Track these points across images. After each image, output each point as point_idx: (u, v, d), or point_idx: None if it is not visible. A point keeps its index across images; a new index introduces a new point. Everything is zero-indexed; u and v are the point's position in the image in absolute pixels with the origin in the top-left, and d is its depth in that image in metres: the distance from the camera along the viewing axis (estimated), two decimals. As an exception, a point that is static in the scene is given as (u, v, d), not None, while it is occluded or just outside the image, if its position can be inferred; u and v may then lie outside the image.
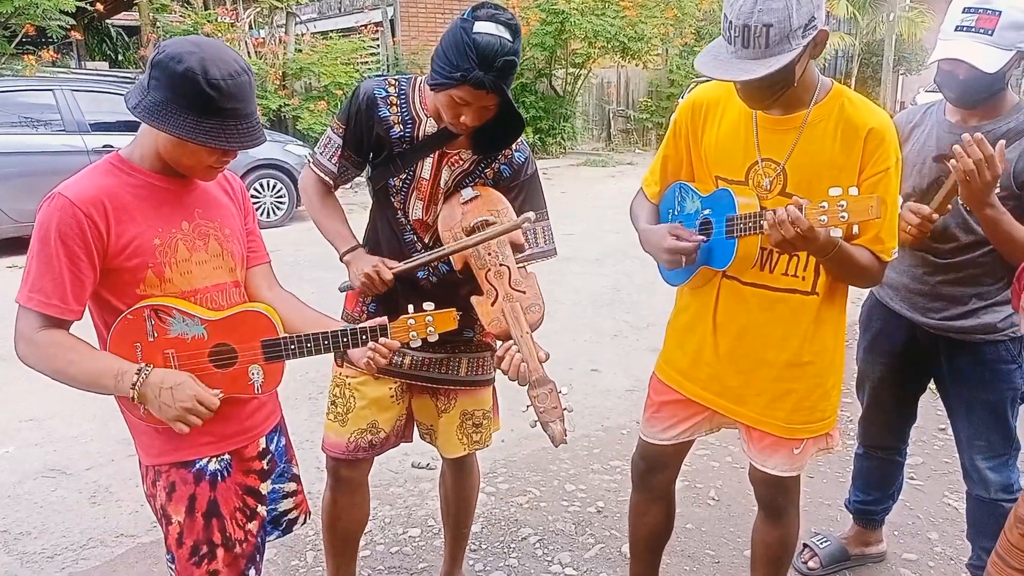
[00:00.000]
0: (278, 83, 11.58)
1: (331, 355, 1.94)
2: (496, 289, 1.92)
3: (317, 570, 2.69)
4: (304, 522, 2.00)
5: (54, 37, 11.36)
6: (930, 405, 2.64)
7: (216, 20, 11.39)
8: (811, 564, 2.68)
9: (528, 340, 1.86)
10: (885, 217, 1.70)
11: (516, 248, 1.99)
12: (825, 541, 2.73)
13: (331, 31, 14.17)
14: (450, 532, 2.49)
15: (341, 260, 2.03)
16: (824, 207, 1.60)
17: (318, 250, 7.09)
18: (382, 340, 1.69)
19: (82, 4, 10.26)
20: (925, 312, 2.28)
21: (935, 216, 2.04)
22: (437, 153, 1.99)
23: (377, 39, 14.47)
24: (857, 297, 2.00)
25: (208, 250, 1.66)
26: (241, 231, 1.77)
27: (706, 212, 1.91)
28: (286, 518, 1.94)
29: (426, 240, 2.05)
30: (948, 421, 3.62)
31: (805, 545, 2.72)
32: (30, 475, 3.34)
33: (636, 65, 16.21)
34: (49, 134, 7.40)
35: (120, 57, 13.87)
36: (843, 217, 1.59)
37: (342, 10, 16.63)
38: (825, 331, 1.92)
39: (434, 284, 2.05)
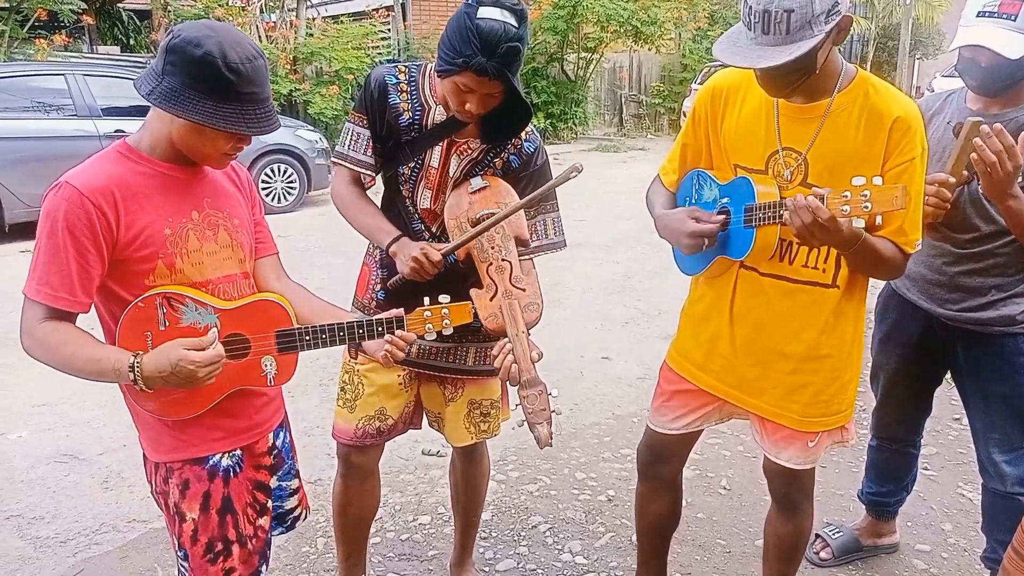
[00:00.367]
0: (289, 68, 11.56)
1: (343, 343, 1.92)
2: (496, 284, 1.90)
3: (328, 556, 2.70)
4: (305, 517, 1.99)
5: (66, 21, 11.36)
6: (944, 395, 2.61)
7: (227, 4, 11.36)
8: (823, 555, 2.67)
9: (523, 340, 1.84)
10: (909, 208, 1.67)
11: (523, 242, 1.97)
12: (837, 532, 2.72)
13: (342, 15, 14.09)
14: (460, 520, 2.49)
15: (387, 252, 1.97)
16: (846, 197, 1.57)
17: (329, 236, 7.08)
18: (398, 332, 1.67)
19: (93, -12, 10.24)
20: (943, 303, 2.24)
21: (951, 180, 1.98)
22: (446, 141, 1.96)
23: (388, 23, 14.41)
24: (872, 287, 1.97)
25: (218, 240, 1.62)
26: (249, 221, 1.75)
27: (724, 201, 1.88)
28: (291, 515, 1.93)
29: (433, 229, 2.03)
30: (963, 412, 3.61)
31: (817, 535, 2.71)
32: (43, 460, 3.36)
33: (648, 49, 16.10)
34: (61, 119, 7.41)
35: (131, 41, 13.87)
36: (866, 208, 1.55)
37: (353, -6, 16.56)
38: (844, 324, 1.89)
39: (441, 274, 2.02)
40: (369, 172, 2.05)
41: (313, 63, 12.03)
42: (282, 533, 1.96)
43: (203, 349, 1.46)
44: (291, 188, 8.67)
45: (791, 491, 2.06)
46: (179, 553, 1.67)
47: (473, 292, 1.91)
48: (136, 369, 1.44)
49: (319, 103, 11.24)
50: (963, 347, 2.27)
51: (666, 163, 2.10)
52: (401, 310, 1.69)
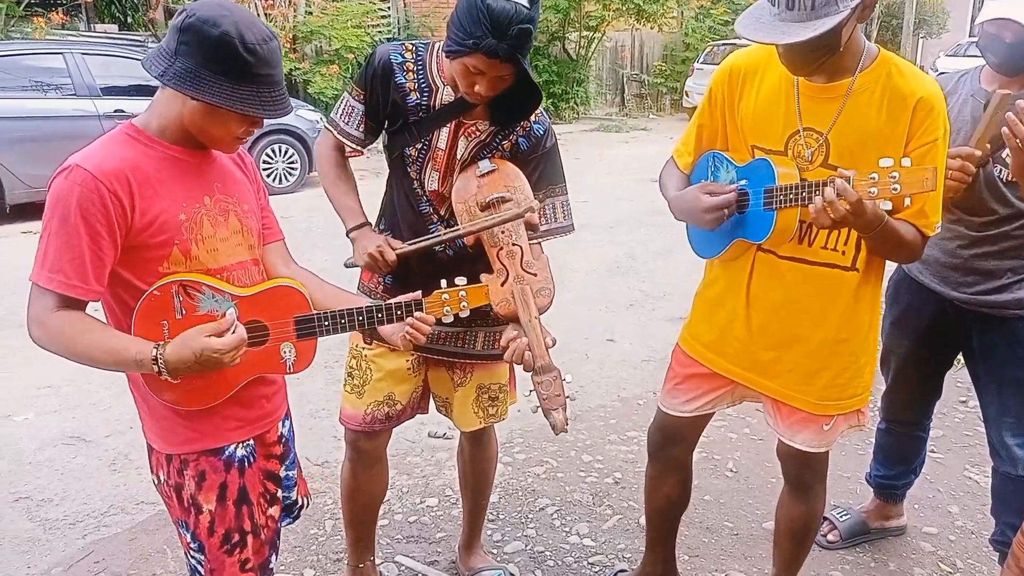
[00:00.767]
0: (288, 46, 11.44)
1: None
2: (507, 269, 1.88)
3: (336, 539, 2.70)
4: (307, 505, 1.98)
5: (62, -1, 11.26)
6: (951, 377, 2.61)
7: (226, -19, 11.20)
8: (831, 537, 2.67)
9: (536, 325, 1.82)
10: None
11: (531, 226, 1.95)
12: (845, 514, 2.72)
13: (341, -7, 13.94)
14: (468, 504, 2.49)
15: (347, 236, 1.99)
16: (874, 179, 1.55)
17: (331, 216, 7.02)
18: (418, 315, 1.65)
19: (90, -35, 10.13)
20: (957, 287, 2.23)
21: (977, 153, 1.96)
22: (454, 123, 1.94)
23: (388, 1, 14.26)
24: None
25: (229, 226, 1.58)
26: (257, 207, 1.72)
27: (742, 183, 1.85)
28: (296, 506, 1.93)
29: (441, 212, 2.01)
30: (969, 395, 3.64)
31: (825, 518, 2.71)
32: (50, 442, 3.36)
33: (651, 28, 15.95)
34: (60, 98, 7.33)
35: (129, 20, 13.72)
36: (895, 189, 1.54)
37: (352, -29, 16.36)
38: (862, 308, 1.87)
39: (450, 257, 2.02)
40: (355, 146, 2.05)
41: (313, 42, 11.90)
42: (288, 524, 1.95)
43: (223, 333, 1.44)
44: (292, 169, 8.62)
45: (804, 474, 2.06)
46: (192, 545, 1.65)
47: (484, 277, 1.88)
48: (160, 359, 1.41)
49: (319, 83, 11.15)
50: (977, 330, 2.26)
51: (680, 145, 2.07)
52: (419, 292, 1.67)
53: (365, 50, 11.59)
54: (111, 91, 7.55)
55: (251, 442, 1.67)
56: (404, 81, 1.94)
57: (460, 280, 1.69)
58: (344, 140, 2.04)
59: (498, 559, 2.60)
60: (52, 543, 2.71)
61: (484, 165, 1.93)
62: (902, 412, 2.58)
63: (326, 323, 1.59)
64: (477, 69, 1.75)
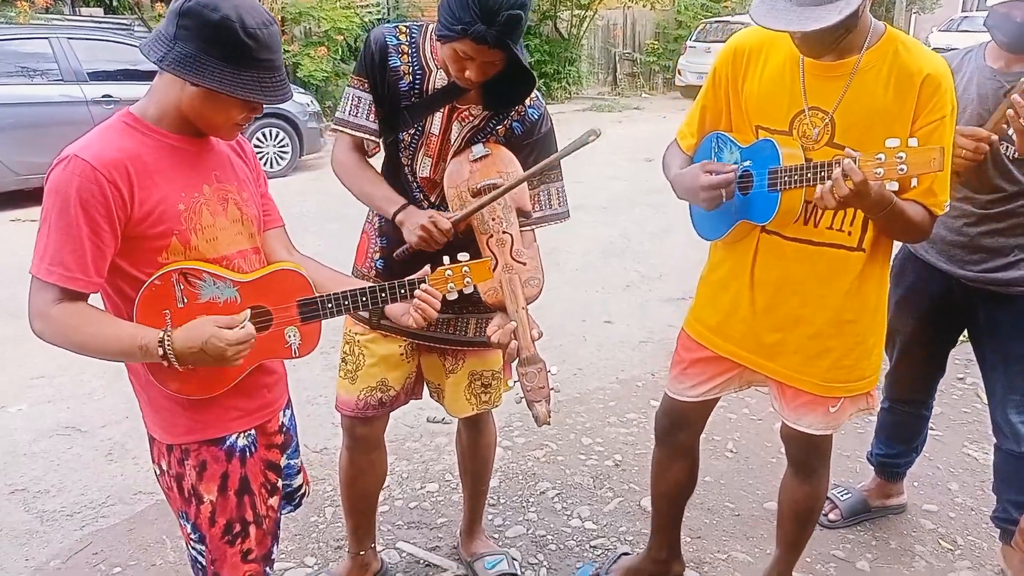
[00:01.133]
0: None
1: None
2: (496, 257, 1.85)
3: (337, 526, 2.69)
4: (307, 493, 1.97)
5: (46, -18, 11.06)
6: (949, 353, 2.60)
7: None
8: (832, 516, 2.67)
9: (523, 316, 1.80)
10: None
11: (524, 213, 1.92)
12: (846, 493, 2.72)
13: (330, -27, 13.77)
14: (468, 489, 2.48)
15: (394, 221, 1.90)
16: (880, 159, 1.53)
17: (324, 201, 7.02)
18: (425, 288, 1.62)
19: (73, -52, 9.96)
20: (964, 264, 2.21)
21: (994, 137, 1.95)
22: (447, 108, 1.90)
23: (377, -19, 14.09)
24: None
25: (228, 215, 1.56)
26: (256, 194, 1.69)
27: (746, 164, 1.82)
28: (298, 494, 1.92)
29: (432, 199, 1.97)
30: (967, 371, 3.64)
31: (826, 497, 2.71)
32: (45, 433, 3.33)
33: (643, 6, 15.84)
34: (47, 84, 7.21)
35: (115, 2, 13.53)
36: (902, 170, 1.51)
37: (340, -49, 16.15)
38: (868, 288, 1.85)
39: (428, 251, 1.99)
40: (372, 138, 1.97)
41: (301, 23, 11.77)
42: (289, 512, 1.95)
43: (234, 327, 1.43)
44: (283, 153, 8.54)
45: (809, 456, 2.05)
46: (193, 536, 1.63)
47: None
48: (167, 345, 1.39)
49: (308, 65, 11.03)
50: (983, 308, 2.25)
51: (683, 126, 2.04)
52: (427, 268, 1.64)
53: (355, 31, 11.47)
54: (98, 76, 7.42)
55: (252, 432, 1.66)
56: (398, 64, 1.90)
57: (463, 256, 1.66)
58: (360, 135, 1.96)
59: (500, 544, 2.59)
60: (50, 535, 2.69)
61: (477, 150, 1.89)
62: (905, 391, 2.57)
63: (330, 305, 1.57)
64: (466, 55, 1.72)
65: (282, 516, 1.82)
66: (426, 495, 2.90)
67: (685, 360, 2.09)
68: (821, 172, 1.64)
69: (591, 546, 2.61)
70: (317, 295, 1.58)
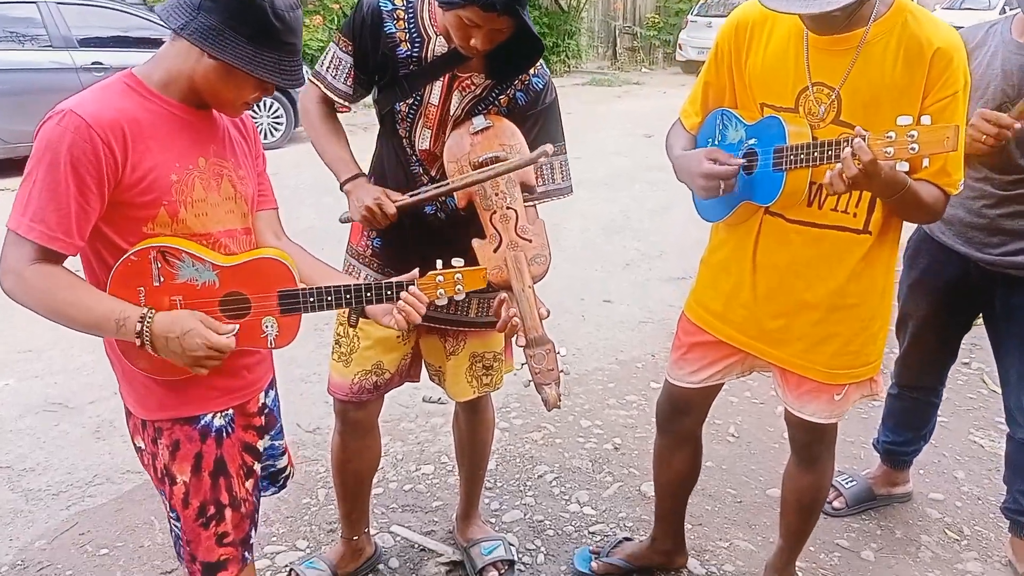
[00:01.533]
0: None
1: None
2: (500, 234, 1.77)
3: (329, 508, 2.63)
4: (293, 475, 1.92)
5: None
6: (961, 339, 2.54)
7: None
8: (836, 504, 2.62)
9: (530, 295, 1.72)
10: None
11: (528, 188, 1.84)
12: (851, 481, 2.67)
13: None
14: (465, 473, 2.42)
15: (341, 189, 1.87)
16: (890, 138, 1.45)
17: (319, 173, 6.84)
18: (411, 290, 1.55)
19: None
20: (982, 247, 2.14)
21: (1017, 125, 1.87)
22: (447, 76, 1.81)
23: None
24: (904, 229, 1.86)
25: (221, 192, 1.51)
26: (254, 174, 1.63)
27: (751, 142, 1.75)
28: (283, 475, 1.86)
29: (432, 173, 1.90)
30: (971, 356, 3.58)
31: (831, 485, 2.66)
32: (32, 409, 3.25)
33: (644, -22, 15.59)
34: (36, 50, 7.05)
35: (106, -32, 13.30)
36: (913, 149, 1.43)
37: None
38: (875, 271, 1.78)
39: (443, 221, 1.91)
40: (343, 101, 1.91)
41: (297, -8, 11.55)
42: (274, 493, 1.90)
43: (221, 335, 1.41)
44: (278, 124, 8.37)
45: (813, 444, 1.99)
46: (171, 514, 1.60)
47: (475, 243, 1.78)
48: (147, 323, 1.36)
49: (304, 35, 10.83)
50: (1001, 293, 2.18)
51: (687, 104, 1.96)
52: (415, 272, 1.57)
53: (350, 0, 11.25)
54: (89, 42, 7.26)
55: (230, 412, 1.61)
56: (394, 31, 1.81)
57: (457, 261, 1.59)
58: (331, 95, 1.90)
59: (496, 529, 2.54)
60: (35, 514, 2.63)
61: (478, 122, 1.82)
62: (916, 377, 2.50)
63: (311, 299, 1.52)
64: (472, 22, 1.63)
65: (271, 497, 1.78)
66: (421, 477, 2.83)
67: (685, 344, 2.02)
68: (828, 151, 1.56)
69: (590, 532, 2.55)
70: (299, 287, 1.52)
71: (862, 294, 1.79)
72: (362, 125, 7.92)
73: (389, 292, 1.54)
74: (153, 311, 1.38)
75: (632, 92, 13.18)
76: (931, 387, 2.52)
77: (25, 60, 6.99)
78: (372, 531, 2.42)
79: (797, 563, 2.23)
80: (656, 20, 17.12)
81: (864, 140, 1.46)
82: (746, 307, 1.88)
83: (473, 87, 1.83)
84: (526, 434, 3.10)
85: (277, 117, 8.39)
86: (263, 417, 1.72)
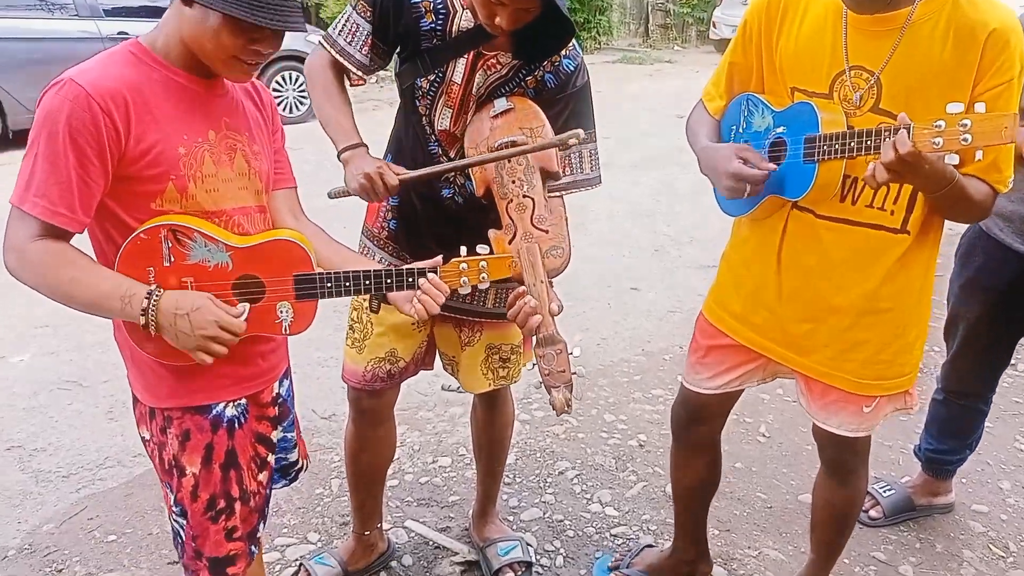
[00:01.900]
0: (300, -33, 10.97)
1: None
2: (515, 224, 1.66)
3: (343, 499, 2.54)
4: (306, 467, 1.85)
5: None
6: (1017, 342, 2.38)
7: None
8: (873, 513, 2.48)
9: (542, 289, 1.60)
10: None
11: (551, 176, 1.71)
12: (889, 489, 2.53)
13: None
14: (482, 470, 2.32)
15: (338, 158, 1.74)
16: (939, 127, 1.30)
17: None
18: (431, 278, 1.45)
19: None
20: None
21: None
22: (472, 54, 1.70)
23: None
24: (949, 229, 1.71)
25: (234, 167, 1.43)
26: (270, 149, 1.54)
27: (779, 130, 1.61)
28: (295, 468, 1.79)
29: (452, 155, 1.79)
30: (1019, 356, 3.39)
31: (867, 492, 2.52)
32: (45, 386, 3.20)
33: (679, -47, 15.23)
34: (63, 19, 7.03)
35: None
36: (965, 140, 1.29)
37: None
38: (911, 274, 1.64)
39: (460, 205, 1.81)
40: (357, 71, 1.79)
41: (325, -37, 11.41)
42: (285, 486, 1.82)
43: (234, 316, 1.34)
44: (303, 97, 8.30)
45: (844, 457, 1.86)
46: (175, 509, 1.52)
47: (491, 234, 1.67)
48: (153, 301, 1.30)
49: (332, 6, 10.74)
50: None
51: (710, 86, 1.82)
52: (439, 258, 1.47)
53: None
54: (116, 12, 7.25)
55: (243, 401, 1.53)
56: (419, 0, 1.68)
57: (482, 248, 1.48)
58: (344, 62, 1.78)
59: (514, 527, 2.44)
60: (44, 496, 2.58)
61: (499, 104, 1.70)
62: (965, 383, 2.35)
63: (328, 284, 1.43)
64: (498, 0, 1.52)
65: (280, 490, 1.71)
66: (438, 470, 2.74)
67: (703, 347, 1.90)
68: (867, 141, 1.43)
69: (611, 534, 2.44)
70: (316, 271, 1.43)
71: (896, 298, 1.65)
72: (388, 100, 7.82)
73: (410, 279, 1.45)
74: (161, 288, 1.32)
75: (664, 71, 12.91)
76: (980, 394, 2.36)
77: (52, 29, 6.95)
78: (386, 525, 2.34)
79: (830, 577, 2.11)
80: (690, -4, 16.76)
81: (909, 130, 1.33)
82: (769, 309, 1.75)
83: (498, 67, 1.72)
84: (547, 427, 3.00)
85: (302, 91, 8.30)
86: (276, 407, 1.64)
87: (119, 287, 1.31)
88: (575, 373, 1.62)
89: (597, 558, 2.31)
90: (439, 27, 1.70)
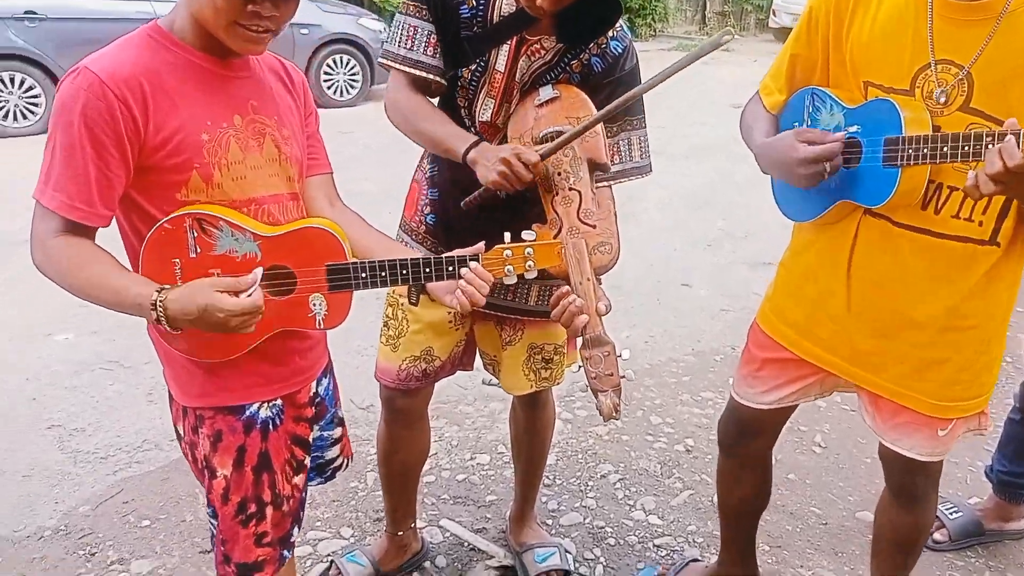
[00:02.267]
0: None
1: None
2: (561, 219, 1.55)
3: (377, 494, 2.48)
4: (347, 466, 1.78)
5: None
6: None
7: None
8: (938, 536, 2.33)
9: (589, 288, 1.48)
10: None
11: (599, 166, 1.60)
12: (956, 511, 2.36)
13: None
14: (521, 472, 2.23)
15: (464, 161, 1.60)
16: None
17: (394, 133, 6.71)
18: (473, 267, 1.35)
19: None
20: None
21: None
22: (515, 39, 1.59)
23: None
24: None
25: (263, 153, 1.36)
26: (302, 133, 1.46)
27: (852, 129, 1.47)
28: (332, 466, 1.72)
29: None
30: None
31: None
32: (87, 366, 3.21)
33: (741, -62, 14.86)
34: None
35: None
36: None
37: None
38: (999, 287, 1.50)
39: (502, 199, 1.68)
40: (435, 77, 1.66)
41: (380, -54, 11.37)
42: (320, 484, 1.76)
43: (239, 293, 1.22)
44: (354, 81, 8.28)
45: (914, 481, 1.72)
46: (208, 509, 1.47)
47: (536, 228, 1.55)
48: (159, 307, 1.22)
49: (388, -11, 10.68)
50: None
51: (768, 79, 1.68)
52: (481, 245, 1.37)
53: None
54: (170, -8, 7.28)
55: (279, 402, 1.46)
56: None
57: (528, 234, 1.37)
58: (419, 73, 1.66)
59: (552, 532, 2.34)
60: (82, 477, 2.57)
61: (544, 92, 1.60)
62: (1047, 403, 2.18)
63: (363, 275, 1.34)
64: None
65: (312, 488, 1.63)
66: (476, 467, 2.66)
67: (757, 359, 1.76)
68: (963, 147, 1.28)
69: (655, 544, 2.33)
70: (350, 261, 1.34)
71: (982, 314, 1.51)
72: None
73: (451, 268, 1.35)
74: (166, 292, 1.23)
75: (720, 59, 12.56)
76: (1065, 415, 2.19)
77: (109, 9, 7.03)
78: (420, 523, 2.27)
79: (891, 604, 1.96)
80: (750, -18, 16.36)
81: (1018, 138, 1.19)
82: (836, 321, 1.61)
83: (542, 51, 1.61)
84: (590, 427, 2.89)
85: (353, 74, 8.28)
86: (314, 407, 1.57)
87: (129, 292, 1.24)
88: (623, 376, 1.51)
89: (639, 569, 2.21)
90: (480, 13, 1.60)
